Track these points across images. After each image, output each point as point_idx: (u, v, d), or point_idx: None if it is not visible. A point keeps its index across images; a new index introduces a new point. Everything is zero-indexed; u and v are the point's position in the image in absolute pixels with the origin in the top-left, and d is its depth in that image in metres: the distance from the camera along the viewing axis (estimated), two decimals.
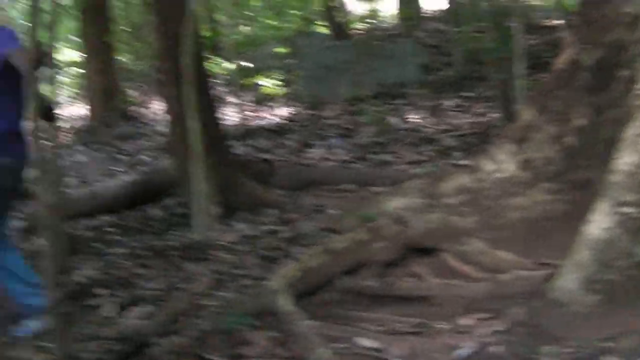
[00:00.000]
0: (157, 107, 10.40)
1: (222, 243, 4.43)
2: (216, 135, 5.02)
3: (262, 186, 5.37)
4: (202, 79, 4.98)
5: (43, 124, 3.42)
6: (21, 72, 3.24)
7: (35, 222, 5.52)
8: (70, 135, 9.22)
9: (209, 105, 5.06)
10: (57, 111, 3.61)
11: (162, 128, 8.81)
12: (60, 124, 3.73)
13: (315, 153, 7.04)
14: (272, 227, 4.83)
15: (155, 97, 10.75)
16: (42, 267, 4.62)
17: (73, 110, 10.94)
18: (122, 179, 6.32)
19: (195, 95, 4.57)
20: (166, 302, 3.63)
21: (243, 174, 5.25)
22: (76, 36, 10.12)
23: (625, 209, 2.94)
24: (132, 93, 11.03)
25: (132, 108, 10.28)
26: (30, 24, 3.07)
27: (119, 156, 8.08)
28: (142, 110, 10.41)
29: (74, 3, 9.98)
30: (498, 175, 3.88)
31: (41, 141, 3.39)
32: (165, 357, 3.07)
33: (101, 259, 4.56)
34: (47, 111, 3.42)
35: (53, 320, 3.01)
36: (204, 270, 4.03)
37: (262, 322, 3.22)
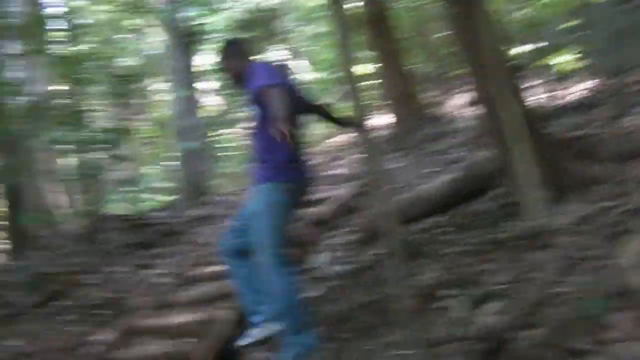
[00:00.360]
0: (453, 106, 10.47)
1: (559, 227, 4.25)
2: (531, 118, 4.88)
3: (585, 162, 5.08)
4: (505, 65, 4.90)
5: (361, 137, 3.71)
6: (270, 108, 3.41)
7: (369, 232, 5.89)
8: (380, 144, 9.63)
9: (515, 90, 4.94)
10: (366, 124, 3.81)
11: (464, 124, 8.85)
12: (371, 135, 3.92)
13: (631, 122, 6.47)
14: (606, 204, 4.52)
15: (449, 96, 10.82)
16: (387, 273, 4.94)
17: (376, 120, 11.45)
18: (441, 178, 6.40)
19: (505, 82, 4.53)
20: (517, 295, 3.58)
21: (564, 153, 5.02)
22: (365, 49, 10.54)
23: None
24: (427, 95, 11.22)
25: (431, 110, 10.45)
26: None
27: (430, 158, 8.22)
28: (440, 110, 10.53)
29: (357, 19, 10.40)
30: None
31: (363, 154, 3.68)
32: (528, 350, 3.02)
33: (440, 259, 4.66)
34: (357, 125, 3.73)
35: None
36: (548, 257, 3.91)
37: (620, 302, 3.03)
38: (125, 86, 10.80)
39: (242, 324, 4.92)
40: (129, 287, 6.42)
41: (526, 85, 8.63)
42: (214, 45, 10.72)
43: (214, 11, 12.64)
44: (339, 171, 10.31)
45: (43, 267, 7.49)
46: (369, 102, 13.06)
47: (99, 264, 7.38)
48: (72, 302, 6.38)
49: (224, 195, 10.16)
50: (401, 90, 10.03)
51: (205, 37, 12.30)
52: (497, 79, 4.57)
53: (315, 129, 15.17)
